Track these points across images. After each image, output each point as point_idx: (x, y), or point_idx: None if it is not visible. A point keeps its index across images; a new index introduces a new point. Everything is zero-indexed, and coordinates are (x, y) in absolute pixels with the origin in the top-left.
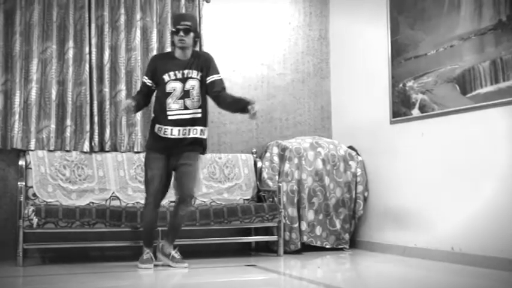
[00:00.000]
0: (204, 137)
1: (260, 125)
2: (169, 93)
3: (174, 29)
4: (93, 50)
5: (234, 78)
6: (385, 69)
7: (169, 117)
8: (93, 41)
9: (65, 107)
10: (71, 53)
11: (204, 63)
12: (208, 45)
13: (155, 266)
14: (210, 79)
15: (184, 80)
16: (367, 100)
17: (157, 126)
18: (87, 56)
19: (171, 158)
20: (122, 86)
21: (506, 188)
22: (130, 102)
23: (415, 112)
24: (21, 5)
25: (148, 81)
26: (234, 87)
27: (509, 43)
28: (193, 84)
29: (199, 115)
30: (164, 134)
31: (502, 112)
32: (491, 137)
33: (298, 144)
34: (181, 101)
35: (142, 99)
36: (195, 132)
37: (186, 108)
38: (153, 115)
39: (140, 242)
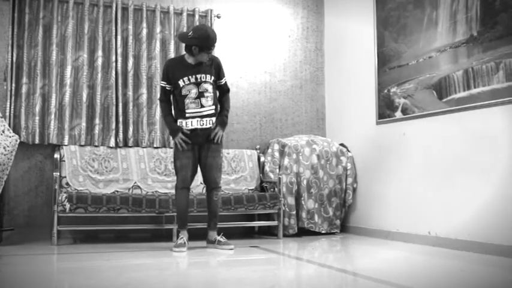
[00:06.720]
0: None
1: (263, 125)
2: (185, 95)
3: (209, 47)
4: (119, 58)
5: (240, 83)
6: (372, 77)
7: (187, 115)
8: (119, 50)
9: (94, 108)
10: (99, 61)
11: (216, 68)
12: (219, 55)
13: (188, 249)
14: (219, 83)
15: (198, 83)
16: (357, 104)
17: (178, 121)
18: (114, 64)
19: (195, 149)
20: (144, 90)
21: (476, 180)
22: (180, 136)
23: (398, 114)
24: (57, 20)
25: (168, 86)
26: (240, 92)
27: (479, 55)
28: (206, 87)
29: (213, 111)
30: (186, 127)
31: (473, 115)
32: (464, 136)
33: (296, 142)
34: (197, 101)
35: (169, 107)
36: (211, 122)
37: (202, 106)
38: (174, 116)
39: (158, 225)
